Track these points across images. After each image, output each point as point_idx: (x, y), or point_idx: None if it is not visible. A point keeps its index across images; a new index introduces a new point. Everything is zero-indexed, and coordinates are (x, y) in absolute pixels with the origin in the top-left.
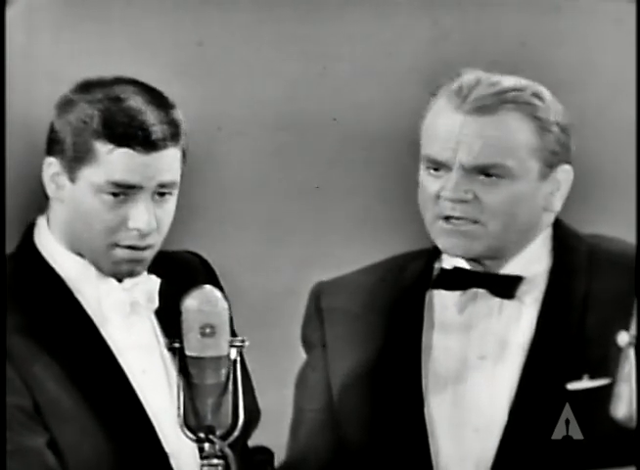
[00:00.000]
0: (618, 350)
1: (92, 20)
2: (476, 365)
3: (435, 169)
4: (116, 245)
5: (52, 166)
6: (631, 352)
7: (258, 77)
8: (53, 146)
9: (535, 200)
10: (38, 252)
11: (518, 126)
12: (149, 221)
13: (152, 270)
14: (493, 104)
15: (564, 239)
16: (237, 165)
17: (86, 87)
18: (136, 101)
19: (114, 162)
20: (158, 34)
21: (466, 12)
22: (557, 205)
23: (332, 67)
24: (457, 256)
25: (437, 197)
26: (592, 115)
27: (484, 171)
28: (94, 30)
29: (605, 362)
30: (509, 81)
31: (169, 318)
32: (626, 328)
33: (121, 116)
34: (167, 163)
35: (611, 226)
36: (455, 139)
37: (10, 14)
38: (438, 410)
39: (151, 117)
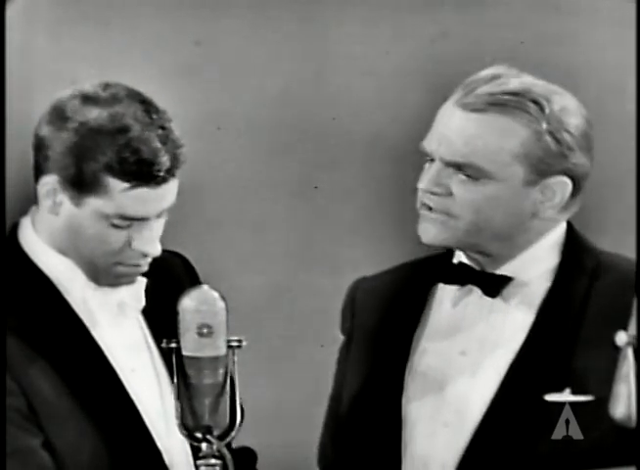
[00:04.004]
0: (607, 366)
1: (91, 20)
2: (456, 361)
3: (430, 160)
4: (119, 264)
5: (49, 185)
6: (629, 352)
7: (257, 77)
8: (49, 163)
9: (518, 205)
10: (24, 252)
11: (507, 130)
12: (155, 246)
13: None
14: (487, 103)
15: (572, 251)
16: (236, 165)
17: (81, 103)
18: (140, 126)
19: (126, 198)
20: (156, 34)
21: (466, 12)
22: (549, 213)
23: (331, 66)
24: (429, 242)
25: None
26: (592, 115)
27: (461, 169)
28: (93, 30)
29: (590, 378)
30: (517, 83)
31: (155, 317)
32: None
33: (131, 152)
34: (172, 190)
35: (611, 227)
36: (440, 132)
37: (10, 13)
38: (415, 403)
39: (158, 145)
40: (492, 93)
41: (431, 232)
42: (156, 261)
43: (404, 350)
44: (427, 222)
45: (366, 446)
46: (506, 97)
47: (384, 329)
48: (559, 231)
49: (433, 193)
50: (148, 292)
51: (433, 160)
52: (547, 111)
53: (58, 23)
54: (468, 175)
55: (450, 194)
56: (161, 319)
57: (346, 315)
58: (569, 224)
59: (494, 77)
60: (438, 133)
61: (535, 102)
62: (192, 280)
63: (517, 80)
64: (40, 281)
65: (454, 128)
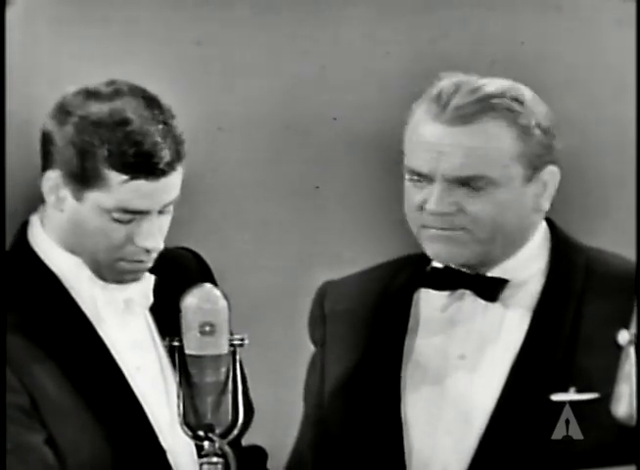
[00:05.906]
0: (608, 363)
1: (91, 20)
2: (455, 365)
3: (419, 181)
4: (122, 259)
5: (52, 180)
6: (631, 351)
7: (258, 77)
8: (52, 158)
9: (522, 203)
10: (33, 250)
11: (499, 134)
12: (157, 241)
13: None
14: (473, 112)
15: (561, 248)
16: (237, 165)
17: (84, 98)
18: (141, 120)
19: (126, 191)
20: (156, 34)
21: (466, 12)
22: (545, 205)
23: (331, 66)
24: (445, 262)
25: (421, 208)
26: (592, 115)
27: (467, 183)
28: (93, 30)
29: (592, 375)
30: (490, 87)
31: (164, 315)
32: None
33: (130, 144)
34: (174, 183)
35: (611, 226)
36: (436, 150)
37: (10, 14)
38: (415, 408)
39: (158, 139)
40: (475, 101)
41: (448, 251)
42: (167, 258)
43: (396, 353)
44: (441, 242)
45: (364, 449)
46: (491, 101)
47: (369, 332)
48: (542, 228)
49: (443, 213)
50: (157, 289)
51: (420, 180)
52: (528, 106)
53: (58, 23)
54: (474, 188)
55: (461, 210)
56: (170, 317)
57: (316, 323)
58: (548, 220)
59: (458, 87)
60: (433, 152)
61: (515, 99)
62: (205, 277)
63: (487, 84)
64: (47, 278)
65: (450, 144)
